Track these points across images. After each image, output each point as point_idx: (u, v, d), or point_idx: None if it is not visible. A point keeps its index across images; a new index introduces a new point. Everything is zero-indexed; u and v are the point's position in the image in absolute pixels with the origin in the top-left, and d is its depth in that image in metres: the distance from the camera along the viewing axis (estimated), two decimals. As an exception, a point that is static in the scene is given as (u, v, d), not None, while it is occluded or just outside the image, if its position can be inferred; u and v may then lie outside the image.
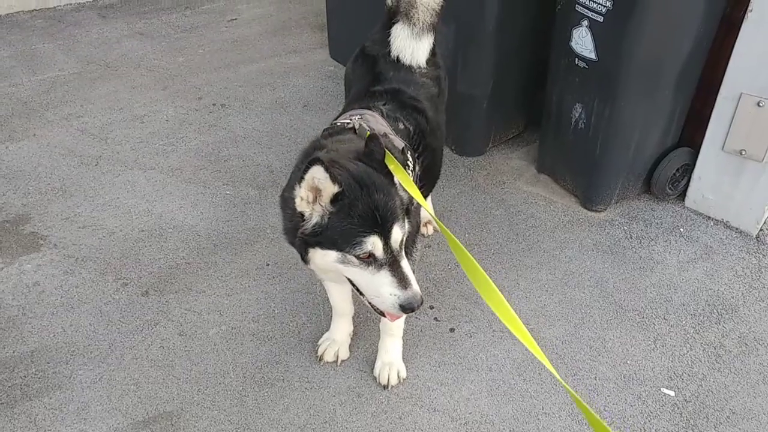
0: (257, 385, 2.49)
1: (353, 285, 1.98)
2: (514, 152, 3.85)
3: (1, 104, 4.14)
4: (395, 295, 1.86)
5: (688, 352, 2.67)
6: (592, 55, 3.03)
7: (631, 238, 3.23)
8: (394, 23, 2.56)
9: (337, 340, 2.59)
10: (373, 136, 1.97)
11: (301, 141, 3.86)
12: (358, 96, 2.52)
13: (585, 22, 2.99)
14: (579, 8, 2.99)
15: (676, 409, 2.45)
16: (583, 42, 3.04)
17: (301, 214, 1.88)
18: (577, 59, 3.11)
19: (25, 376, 2.49)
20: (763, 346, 2.70)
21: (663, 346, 2.69)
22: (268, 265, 3.01)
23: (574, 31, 3.06)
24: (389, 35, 2.57)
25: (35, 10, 5.30)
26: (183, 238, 3.15)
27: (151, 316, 2.76)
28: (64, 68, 4.56)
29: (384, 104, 2.41)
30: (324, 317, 2.75)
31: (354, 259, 1.85)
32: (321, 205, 1.84)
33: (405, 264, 1.90)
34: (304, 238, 1.89)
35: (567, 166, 3.49)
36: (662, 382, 2.55)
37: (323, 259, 1.89)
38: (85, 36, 4.98)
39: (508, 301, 1.69)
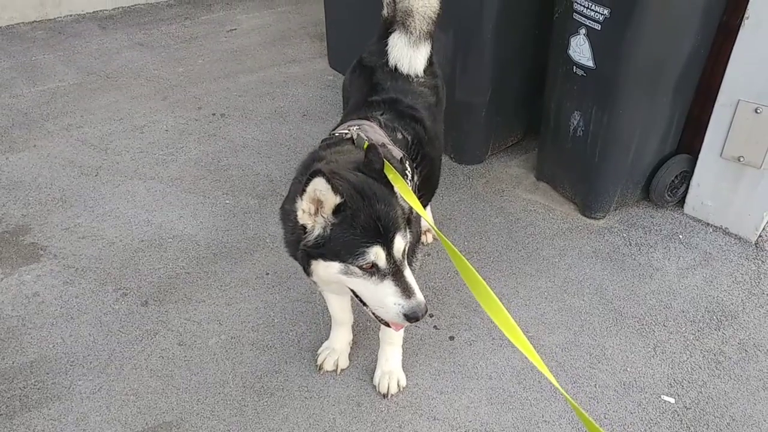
0: (257, 394, 2.49)
1: (357, 297, 1.97)
2: (513, 160, 3.86)
3: (2, 115, 4.15)
4: (399, 304, 1.86)
5: (687, 358, 2.67)
6: (590, 63, 3.04)
7: (630, 245, 3.24)
8: (390, 33, 2.56)
9: (337, 349, 2.59)
10: (372, 147, 1.98)
11: (300, 150, 3.87)
12: (356, 106, 2.53)
13: (582, 30, 3.01)
14: (576, 16, 3.01)
15: (676, 416, 2.45)
16: (580, 50, 3.05)
17: (303, 227, 1.88)
18: (575, 67, 3.12)
19: (24, 387, 2.49)
20: (762, 353, 2.70)
21: (663, 353, 2.69)
22: (267, 274, 3.02)
23: (572, 39, 3.07)
24: (386, 45, 2.58)
25: (35, 21, 5.32)
26: (183, 248, 3.16)
27: (151, 326, 2.76)
28: (64, 79, 4.57)
29: (381, 114, 2.41)
30: (323, 326, 2.75)
31: (357, 270, 1.85)
32: (323, 217, 1.84)
33: (408, 273, 1.90)
34: (307, 250, 1.89)
35: (566, 174, 3.49)
36: (662, 389, 2.55)
37: (326, 270, 1.89)
38: (85, 47, 5.00)
39: (507, 309, 1.70)
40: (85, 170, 3.67)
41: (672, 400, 2.50)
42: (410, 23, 2.52)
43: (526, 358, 1.65)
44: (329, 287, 2.17)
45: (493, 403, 2.48)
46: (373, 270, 1.85)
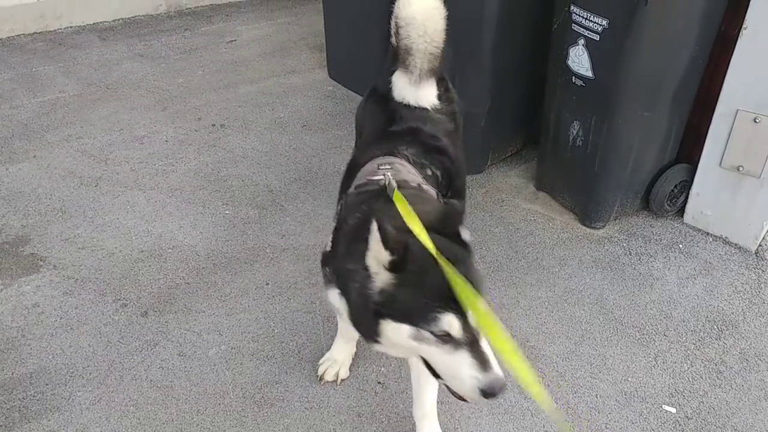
0: (257, 405, 2.48)
1: (428, 366, 1.79)
2: (512, 170, 3.86)
3: (2, 126, 4.16)
4: (476, 378, 1.66)
5: (689, 368, 2.66)
6: (589, 73, 3.05)
7: (630, 254, 3.24)
8: (393, 70, 2.43)
9: (338, 360, 2.58)
10: (452, 206, 1.84)
11: (300, 161, 3.88)
12: (375, 138, 2.39)
13: (581, 41, 3.02)
14: (575, 27, 3.02)
15: (677, 426, 2.44)
16: (579, 60, 3.07)
17: (373, 282, 1.70)
18: (573, 77, 3.13)
19: (23, 398, 2.48)
20: (764, 363, 2.69)
21: (664, 362, 2.69)
22: (267, 284, 3.01)
23: (571, 50, 3.09)
24: (392, 76, 2.44)
25: (36, 33, 5.34)
26: (182, 258, 3.15)
27: (151, 336, 2.75)
28: (64, 90, 4.58)
29: (407, 148, 2.25)
30: (324, 336, 2.74)
31: (429, 336, 1.66)
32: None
33: (485, 343, 1.70)
34: (376, 308, 1.70)
35: (565, 184, 3.50)
36: (663, 399, 2.54)
37: (396, 333, 1.69)
38: (86, 58, 5.02)
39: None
40: (84, 181, 3.67)
41: (673, 410, 2.49)
42: (410, 62, 2.36)
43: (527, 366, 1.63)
44: (398, 352, 1.95)
45: (494, 413, 2.47)
46: (447, 338, 1.66)
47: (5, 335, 2.74)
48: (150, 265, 3.11)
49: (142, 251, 3.19)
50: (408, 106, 2.42)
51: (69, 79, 4.71)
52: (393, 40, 2.46)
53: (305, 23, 5.73)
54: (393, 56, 2.45)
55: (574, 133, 3.28)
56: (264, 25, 5.69)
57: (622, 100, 3.02)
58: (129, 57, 5.07)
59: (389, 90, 2.46)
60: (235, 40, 5.40)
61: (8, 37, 5.25)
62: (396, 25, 2.39)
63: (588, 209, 3.40)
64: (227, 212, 3.47)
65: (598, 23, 2.91)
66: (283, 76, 4.87)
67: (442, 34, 2.36)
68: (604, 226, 3.41)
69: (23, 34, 5.31)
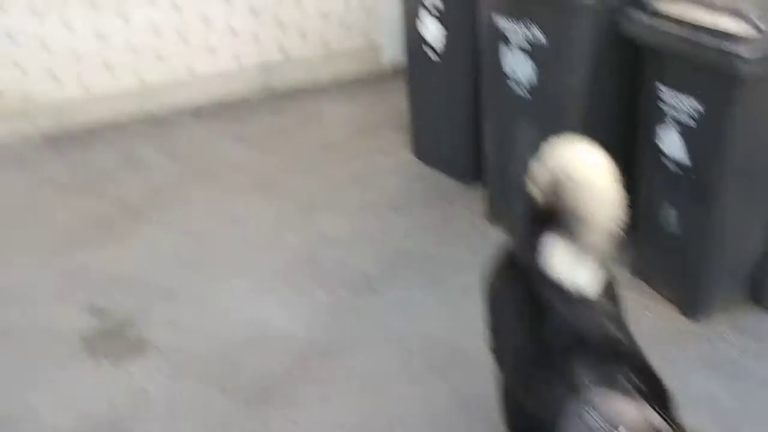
0: None
1: None
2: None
3: (108, 206, 4.35)
4: None
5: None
6: (683, 157, 3.00)
7: (742, 353, 3.07)
8: (546, 231, 1.90)
9: None
10: None
11: (391, 244, 3.91)
12: (524, 348, 1.90)
13: (672, 124, 2.99)
14: (665, 108, 3.00)
15: None
16: (671, 143, 3.03)
17: None
18: (665, 160, 3.08)
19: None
20: None
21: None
22: (364, 376, 3.00)
23: (662, 132, 3.05)
24: (540, 242, 1.91)
25: (135, 114, 5.54)
26: (283, 345, 3.19)
27: (254, 428, 2.76)
28: (163, 171, 4.77)
29: (582, 365, 1.76)
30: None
31: None
32: None
33: None
34: None
35: (662, 272, 3.40)
36: None
37: None
38: (183, 139, 5.24)
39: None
40: (186, 262, 3.79)
41: None
42: (578, 232, 1.83)
43: None
44: None
45: None
46: None
47: (115, 417, 2.81)
48: (251, 352, 3.16)
49: (242, 336, 3.25)
50: (558, 286, 1.88)
51: (168, 160, 4.91)
52: (539, 193, 1.94)
53: (390, 102, 5.80)
54: (543, 214, 1.92)
55: (669, 218, 3.21)
56: (352, 104, 5.80)
57: (718, 185, 2.95)
58: (223, 138, 5.25)
59: (530, 259, 1.92)
60: (324, 121, 5.55)
61: (110, 119, 5.47)
62: (555, 179, 1.88)
63: (688, 300, 3.28)
64: (324, 297, 3.50)
65: (692, 108, 2.88)
66: (371, 156, 4.94)
67: (623, 207, 1.85)
68: (707, 319, 3.26)
69: (123, 116, 5.53)
